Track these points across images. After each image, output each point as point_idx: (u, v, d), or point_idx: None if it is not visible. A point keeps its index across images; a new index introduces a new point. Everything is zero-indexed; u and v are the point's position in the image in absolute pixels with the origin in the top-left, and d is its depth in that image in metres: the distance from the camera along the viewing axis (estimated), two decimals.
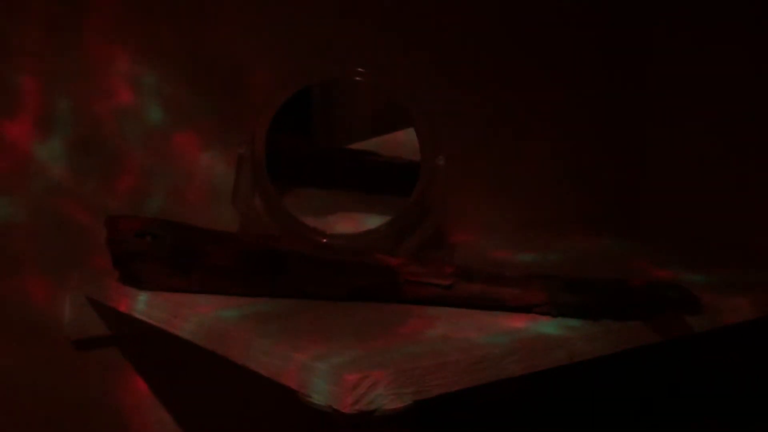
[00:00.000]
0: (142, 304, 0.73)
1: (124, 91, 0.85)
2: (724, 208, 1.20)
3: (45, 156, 0.81)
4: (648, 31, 1.27)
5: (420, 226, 0.91)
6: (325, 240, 0.86)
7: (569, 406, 1.12)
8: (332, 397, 0.56)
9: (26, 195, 0.80)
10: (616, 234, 1.18)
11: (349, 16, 0.98)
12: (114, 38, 0.84)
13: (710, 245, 1.16)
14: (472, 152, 1.11)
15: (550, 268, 0.90)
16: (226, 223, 0.88)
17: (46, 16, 0.80)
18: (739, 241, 1.16)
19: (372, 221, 0.93)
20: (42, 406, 0.83)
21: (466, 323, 0.69)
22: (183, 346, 0.70)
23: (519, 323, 0.70)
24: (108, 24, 0.83)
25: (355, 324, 0.68)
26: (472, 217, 1.13)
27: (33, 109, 0.80)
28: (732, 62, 1.19)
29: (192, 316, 0.69)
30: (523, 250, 1.04)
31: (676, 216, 1.26)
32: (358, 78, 0.92)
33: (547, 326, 0.70)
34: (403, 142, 0.95)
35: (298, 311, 0.71)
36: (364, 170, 1.00)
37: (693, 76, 1.23)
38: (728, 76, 1.19)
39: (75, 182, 0.83)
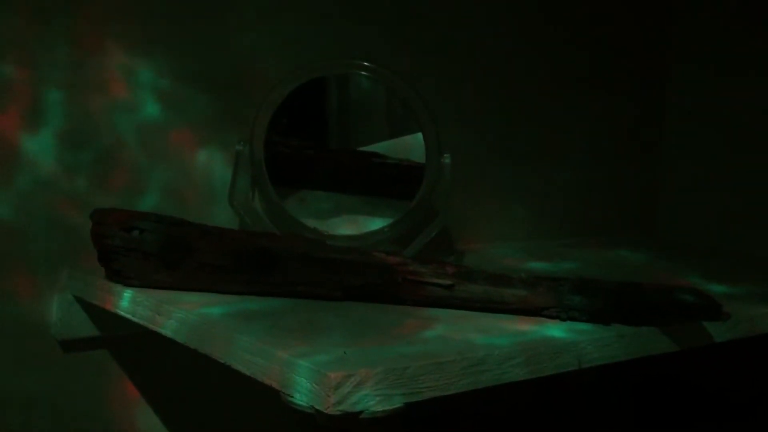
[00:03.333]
0: (126, 302, 0.70)
1: (117, 84, 0.82)
2: (744, 218, 1.15)
3: (34, 150, 0.78)
4: (667, 36, 1.24)
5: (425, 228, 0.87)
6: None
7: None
8: (314, 397, 0.52)
9: (13, 190, 0.78)
10: (633, 244, 1.13)
11: (354, 12, 0.95)
12: (108, 30, 0.81)
13: (731, 256, 1.11)
14: (484, 159, 1.08)
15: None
16: (224, 223, 0.84)
17: (36, 6, 0.77)
18: (763, 253, 1.10)
19: (376, 224, 0.90)
20: (28, 408, 0.80)
21: (467, 325, 0.65)
22: (173, 347, 0.67)
23: (524, 326, 0.66)
24: (101, 15, 0.81)
25: (347, 324, 0.64)
26: (483, 226, 1.09)
27: (22, 101, 0.77)
28: (753, 68, 1.15)
29: (175, 312, 0.65)
30: (535, 259, 0.99)
31: (695, 226, 1.21)
32: (363, 73, 0.89)
33: (555, 330, 0.66)
34: (414, 145, 0.92)
35: (287, 310, 0.67)
36: (370, 172, 0.96)
37: (713, 83, 1.19)
38: (750, 83, 1.15)
39: (65, 178, 0.80)
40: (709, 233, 1.18)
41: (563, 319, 0.68)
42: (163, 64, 0.84)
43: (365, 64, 0.87)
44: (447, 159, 0.87)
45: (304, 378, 0.52)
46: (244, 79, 0.89)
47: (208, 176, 0.88)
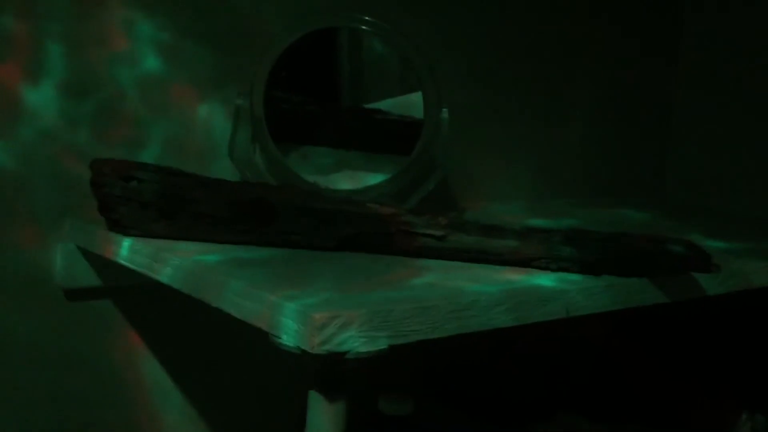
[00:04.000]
0: (125, 250, 0.72)
1: (118, 37, 0.83)
2: (756, 180, 1.14)
3: (35, 101, 0.79)
4: (679, 4, 1.21)
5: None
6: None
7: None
8: (300, 338, 0.53)
9: (16, 141, 0.79)
10: (639, 205, 1.13)
11: None
12: None
13: (737, 217, 1.10)
14: (489, 117, 1.07)
15: None
16: (225, 177, 0.85)
17: None
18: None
19: (376, 179, 0.90)
20: (33, 357, 0.82)
21: (458, 274, 0.66)
22: (173, 297, 0.68)
23: (514, 276, 0.67)
24: None
25: (338, 271, 0.65)
26: (486, 184, 1.09)
27: (22, 52, 0.78)
28: (764, 31, 1.13)
29: (171, 260, 0.66)
30: (536, 216, 0.99)
31: (705, 189, 1.20)
32: (363, 27, 0.89)
33: (544, 279, 0.66)
34: (419, 103, 0.92)
35: (280, 259, 0.68)
36: (372, 129, 0.96)
37: (727, 42, 1.17)
38: (765, 45, 1.13)
39: (67, 129, 0.81)
40: (720, 197, 1.18)
41: (553, 270, 0.68)
42: (164, 17, 0.84)
43: (365, 18, 0.87)
44: (445, 114, 0.87)
45: (291, 320, 0.53)
46: (247, 33, 0.89)
47: (208, 130, 0.89)
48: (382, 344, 0.54)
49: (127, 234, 0.72)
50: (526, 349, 1.01)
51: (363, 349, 0.53)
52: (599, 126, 1.18)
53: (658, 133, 1.23)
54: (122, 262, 0.72)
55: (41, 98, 0.79)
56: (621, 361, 1.08)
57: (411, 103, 0.93)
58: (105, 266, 0.79)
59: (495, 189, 1.09)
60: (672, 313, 0.81)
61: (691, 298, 0.72)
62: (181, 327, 0.88)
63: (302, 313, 0.53)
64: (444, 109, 0.87)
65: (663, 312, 0.74)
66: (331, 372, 0.56)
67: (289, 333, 0.54)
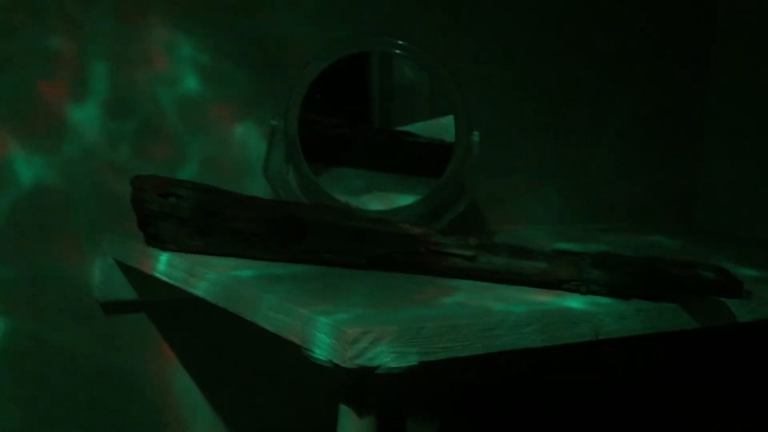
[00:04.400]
0: (162, 265, 0.73)
1: (159, 58, 0.86)
2: None
3: (80, 119, 0.82)
4: (711, 16, 1.22)
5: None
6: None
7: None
8: (333, 352, 0.54)
9: (60, 157, 0.82)
10: (669, 232, 1.13)
11: None
12: (151, 5, 0.84)
13: None
14: (519, 141, 1.08)
15: None
16: (259, 194, 0.87)
17: None
18: None
19: (407, 201, 0.91)
20: (70, 368, 0.84)
21: (487, 294, 0.67)
22: (208, 313, 0.70)
23: (544, 297, 0.67)
24: None
25: (369, 288, 0.66)
26: (515, 207, 1.10)
27: (68, 71, 0.81)
28: None
29: (207, 274, 0.68)
30: (565, 241, 1.00)
31: (735, 217, 1.20)
32: (396, 51, 0.90)
33: (573, 301, 0.67)
34: (450, 126, 0.93)
35: (313, 275, 0.69)
36: (402, 151, 0.98)
37: (757, 70, 1.17)
38: None
39: (109, 147, 0.84)
40: (752, 223, 1.17)
41: (583, 293, 0.69)
42: (203, 39, 0.87)
43: (397, 42, 0.89)
44: (476, 137, 0.88)
45: (324, 333, 0.55)
46: (282, 56, 0.92)
47: (244, 149, 0.91)
48: (412, 360, 0.55)
49: (164, 249, 0.74)
50: (554, 369, 1.01)
51: (394, 364, 0.54)
52: (629, 150, 1.18)
53: (689, 158, 1.23)
54: (159, 276, 0.74)
55: (85, 116, 0.82)
56: (651, 383, 1.08)
57: (441, 126, 0.95)
58: (141, 280, 0.81)
59: (524, 212, 1.10)
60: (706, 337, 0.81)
61: (721, 324, 0.72)
62: (213, 341, 0.90)
63: (335, 328, 0.54)
64: (475, 133, 0.88)
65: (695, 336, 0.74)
66: (362, 387, 0.57)
67: (322, 347, 0.55)
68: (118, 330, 0.86)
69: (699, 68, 1.22)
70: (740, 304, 0.72)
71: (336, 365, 0.54)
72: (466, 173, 0.90)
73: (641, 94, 1.18)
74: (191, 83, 0.87)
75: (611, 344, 0.67)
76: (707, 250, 1.04)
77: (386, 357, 0.54)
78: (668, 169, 1.22)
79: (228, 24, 0.88)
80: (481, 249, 0.71)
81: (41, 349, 0.83)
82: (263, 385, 0.94)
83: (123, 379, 0.87)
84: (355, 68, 0.93)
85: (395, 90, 0.99)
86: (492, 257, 0.71)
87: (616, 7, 1.14)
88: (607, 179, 1.16)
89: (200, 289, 0.68)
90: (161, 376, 0.89)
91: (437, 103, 0.94)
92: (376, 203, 0.91)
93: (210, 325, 0.87)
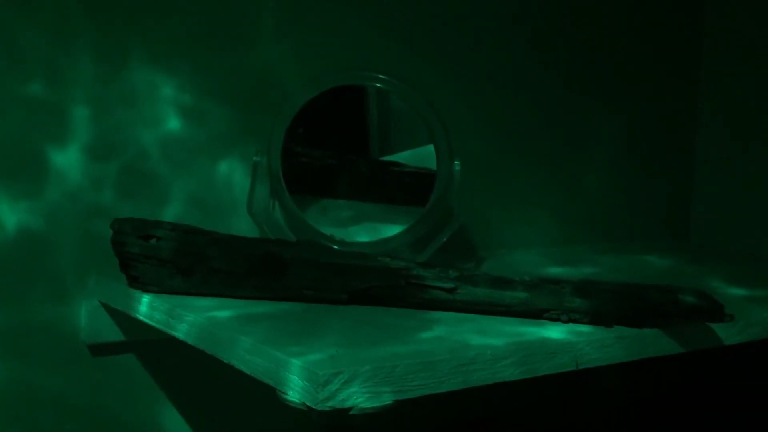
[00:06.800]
0: (144, 307, 0.74)
1: (141, 99, 0.86)
2: None
3: (62, 163, 0.83)
4: (700, 34, 1.21)
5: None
6: (335, 246, 0.84)
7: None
8: (305, 394, 0.54)
9: (43, 202, 0.82)
10: (662, 251, 1.12)
11: (371, 23, 0.98)
12: (131, 47, 0.85)
13: (763, 262, 1.09)
14: (507, 164, 1.08)
15: None
16: (244, 232, 0.87)
17: (61, 25, 0.82)
18: None
19: (394, 231, 0.91)
20: (59, 410, 0.84)
21: (467, 327, 0.66)
22: (194, 351, 0.70)
23: (524, 328, 0.67)
24: (125, 33, 0.85)
25: (347, 326, 0.66)
26: (506, 231, 1.09)
27: (50, 117, 0.82)
28: None
29: (186, 316, 0.68)
30: (556, 264, 0.99)
31: (729, 233, 1.19)
32: (377, 84, 0.91)
33: (554, 331, 0.66)
34: (433, 154, 0.93)
35: (292, 313, 0.69)
36: (389, 181, 0.98)
37: (747, 86, 1.17)
38: None
39: (92, 189, 0.84)
40: (746, 239, 1.16)
41: (564, 321, 0.68)
42: (184, 78, 0.88)
43: (377, 75, 0.89)
44: (457, 166, 0.88)
45: (296, 376, 0.54)
46: (264, 92, 0.92)
47: (228, 187, 0.91)
48: (386, 399, 0.55)
49: (146, 290, 0.74)
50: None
51: (367, 404, 0.54)
52: (620, 170, 1.18)
53: (681, 176, 1.23)
54: (142, 318, 0.74)
55: (67, 160, 0.83)
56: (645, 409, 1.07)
57: (427, 155, 0.95)
58: (127, 321, 0.81)
59: (515, 236, 1.10)
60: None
61: (707, 347, 0.72)
62: (202, 380, 0.90)
63: (306, 370, 0.54)
64: (456, 162, 0.88)
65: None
66: (339, 428, 0.56)
67: (295, 389, 0.55)
68: (107, 371, 0.86)
69: (688, 86, 1.22)
70: (727, 327, 0.71)
71: (309, 407, 0.54)
72: (450, 201, 0.89)
73: (631, 114, 1.17)
74: (173, 123, 0.88)
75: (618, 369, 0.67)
76: (699, 268, 1.03)
77: (359, 397, 0.54)
78: (660, 187, 1.21)
79: (209, 62, 0.89)
80: (461, 281, 0.71)
81: (32, 395, 0.83)
82: (255, 424, 0.94)
83: (114, 420, 0.87)
84: (339, 101, 0.94)
85: (381, 121, 0.99)
86: (472, 288, 0.70)
87: (602, 28, 1.14)
88: (600, 200, 1.16)
89: (180, 331, 0.68)
90: (151, 415, 0.88)
91: (420, 133, 0.94)
92: (363, 234, 0.91)
93: (198, 363, 0.86)
